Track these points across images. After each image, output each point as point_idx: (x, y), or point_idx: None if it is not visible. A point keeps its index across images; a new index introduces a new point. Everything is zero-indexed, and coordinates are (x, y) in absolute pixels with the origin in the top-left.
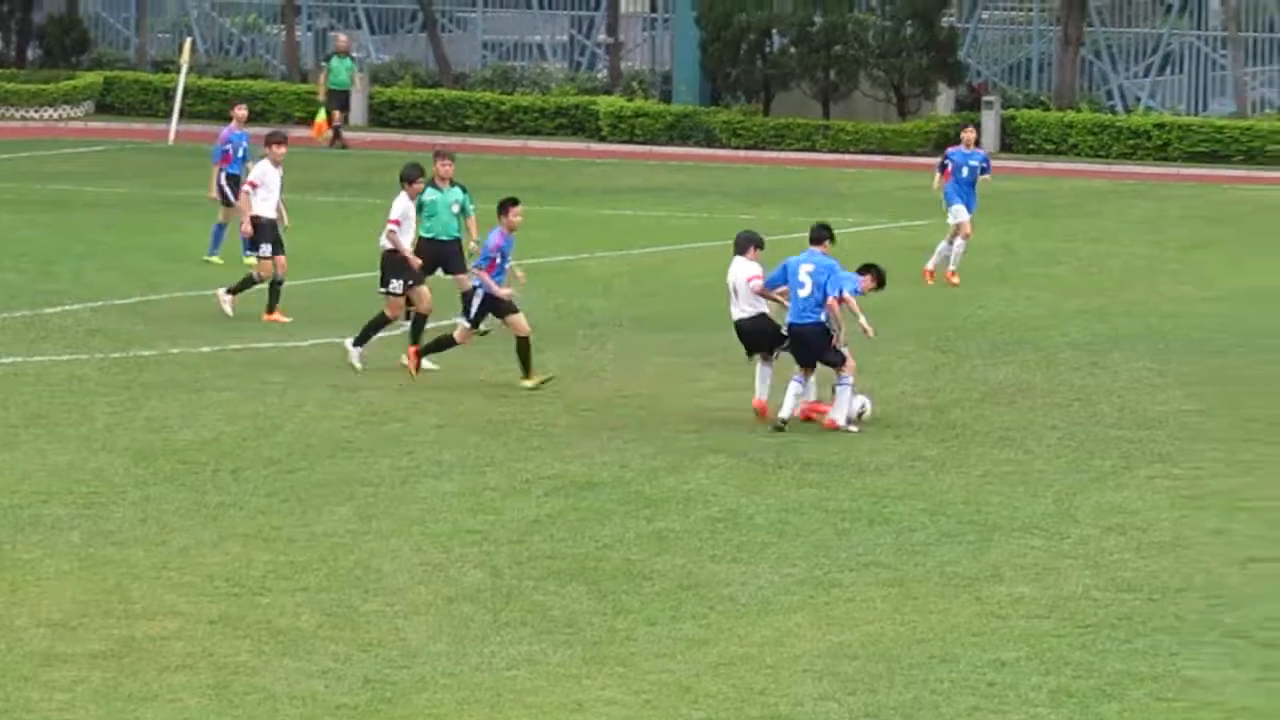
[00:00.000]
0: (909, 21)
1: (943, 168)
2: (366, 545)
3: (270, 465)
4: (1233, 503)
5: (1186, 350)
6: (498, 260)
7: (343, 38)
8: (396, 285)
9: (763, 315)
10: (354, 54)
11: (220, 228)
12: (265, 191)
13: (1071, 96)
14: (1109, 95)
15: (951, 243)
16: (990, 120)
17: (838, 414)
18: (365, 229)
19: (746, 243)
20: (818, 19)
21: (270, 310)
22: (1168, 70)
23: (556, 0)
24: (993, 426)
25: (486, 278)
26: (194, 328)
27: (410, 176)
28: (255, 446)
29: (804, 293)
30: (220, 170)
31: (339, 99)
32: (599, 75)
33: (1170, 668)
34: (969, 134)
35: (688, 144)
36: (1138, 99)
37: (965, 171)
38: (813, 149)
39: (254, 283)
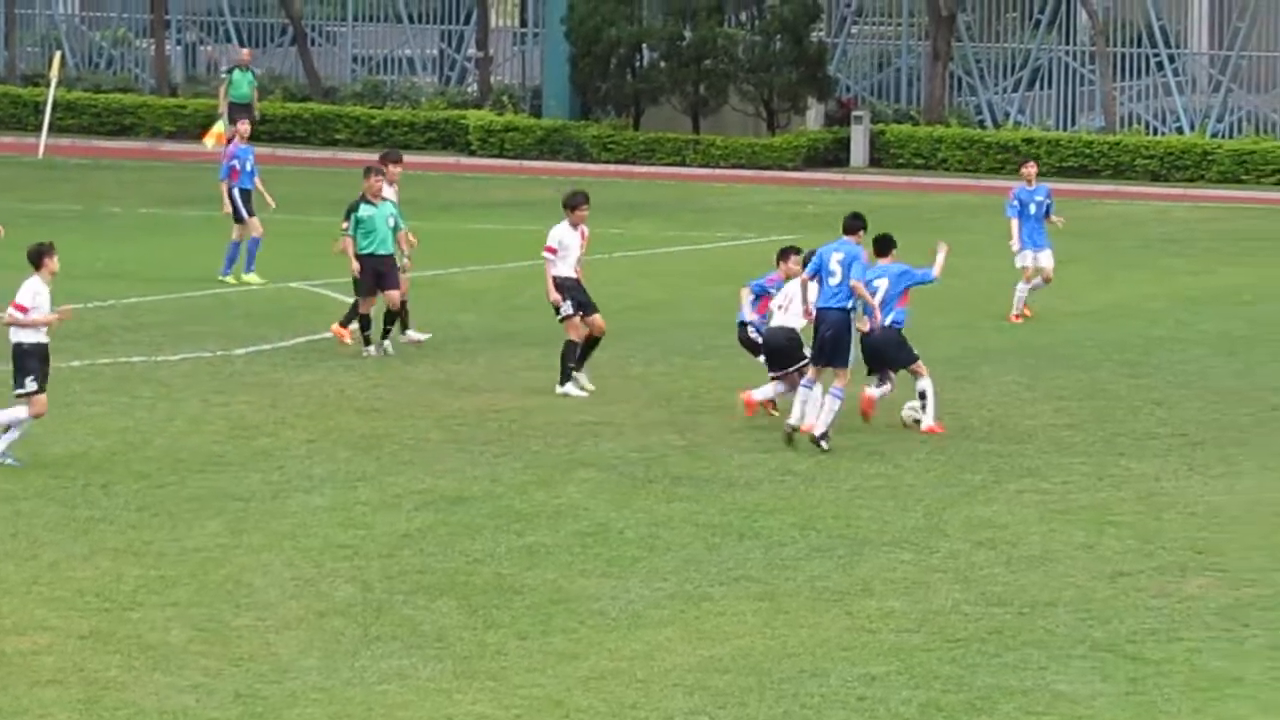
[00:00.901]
0: (778, 36)
1: (1015, 210)
2: (237, 560)
3: (140, 480)
4: (1101, 517)
5: (1055, 364)
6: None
7: (245, 51)
8: (568, 308)
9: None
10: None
11: (235, 246)
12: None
13: (940, 111)
14: (978, 110)
15: (1029, 282)
16: (859, 135)
17: (821, 425)
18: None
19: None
20: (687, 33)
21: (344, 324)
22: (1036, 85)
23: (426, 14)
24: (862, 441)
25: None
26: (63, 343)
27: (574, 204)
28: (125, 461)
29: (834, 280)
30: (231, 186)
31: (241, 112)
32: (469, 89)
33: (1040, 681)
34: (1030, 169)
35: (558, 158)
36: (1007, 114)
37: (1032, 209)
38: (683, 163)
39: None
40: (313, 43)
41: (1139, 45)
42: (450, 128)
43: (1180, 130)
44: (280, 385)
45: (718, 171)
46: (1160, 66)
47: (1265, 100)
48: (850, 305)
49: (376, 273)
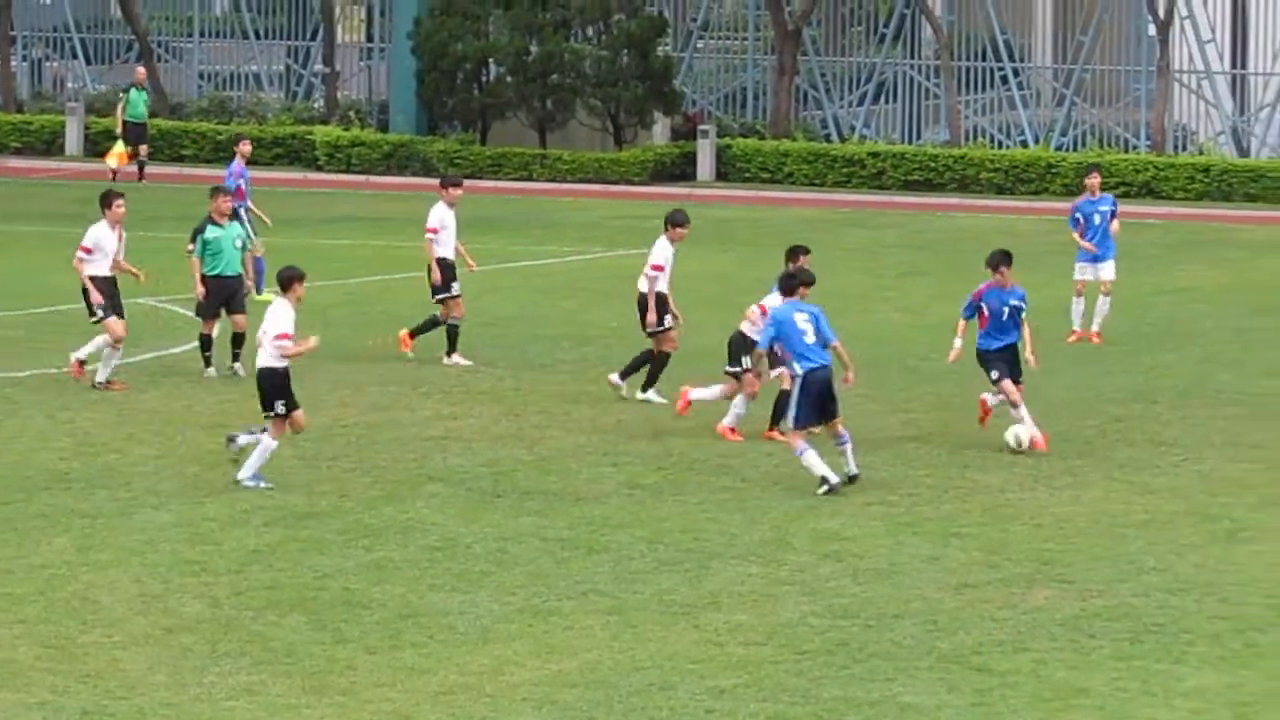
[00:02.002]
0: (625, 51)
1: (1076, 223)
2: (84, 576)
3: None
4: (947, 529)
5: (901, 377)
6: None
7: (140, 69)
8: (669, 320)
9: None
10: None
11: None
12: (446, 235)
13: (787, 125)
14: (824, 124)
15: (1080, 297)
16: (706, 149)
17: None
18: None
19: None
20: (534, 48)
21: (450, 352)
22: (882, 99)
23: (273, 30)
24: (710, 454)
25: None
26: None
27: (679, 221)
28: None
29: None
30: (237, 206)
31: (136, 131)
32: (316, 105)
33: (887, 693)
34: (1094, 180)
35: (405, 173)
36: (852, 128)
37: (1097, 219)
38: (530, 178)
39: (438, 323)
40: (159, 59)
41: (983, 59)
42: (297, 143)
43: (1025, 143)
44: (128, 401)
45: (565, 186)
46: (1005, 80)
47: (1108, 114)
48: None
49: (224, 295)
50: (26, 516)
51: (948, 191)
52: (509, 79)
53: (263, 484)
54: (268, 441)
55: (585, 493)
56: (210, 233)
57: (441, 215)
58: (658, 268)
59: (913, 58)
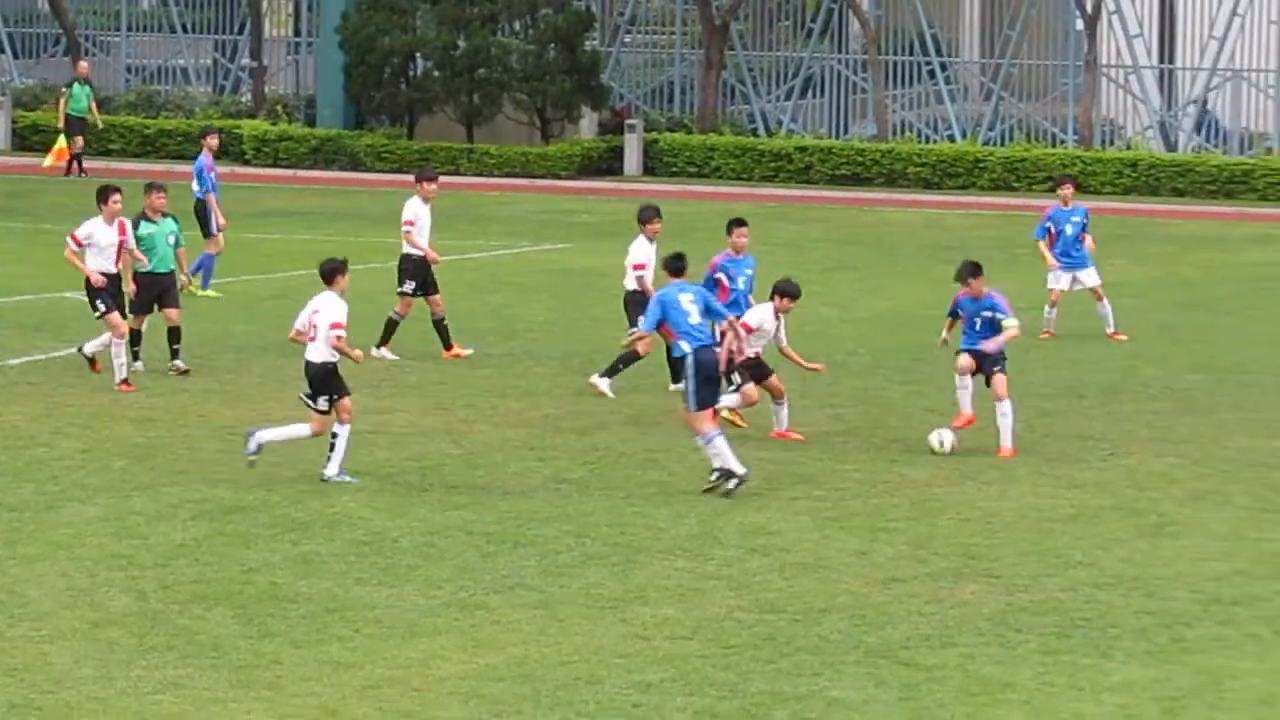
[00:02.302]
0: (552, 45)
1: (1045, 232)
2: (11, 571)
3: None
4: (875, 523)
5: (829, 371)
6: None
7: (83, 64)
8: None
9: None
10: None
11: (211, 258)
12: (418, 230)
13: (714, 120)
14: (751, 119)
15: (1054, 306)
16: (633, 144)
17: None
18: (2, 252)
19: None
20: (461, 43)
21: (448, 347)
22: (809, 94)
23: (200, 24)
24: (637, 449)
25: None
26: None
27: (647, 218)
28: None
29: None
30: (207, 201)
31: (78, 125)
32: (243, 99)
33: (814, 688)
34: (1067, 190)
35: (332, 168)
36: (780, 122)
37: (1069, 229)
38: (457, 173)
39: (397, 323)
40: (87, 53)
41: (911, 53)
42: (225, 137)
43: (952, 138)
44: (54, 395)
45: (492, 180)
46: (932, 75)
47: (1036, 108)
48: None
49: (155, 291)
50: None
51: (875, 186)
52: (436, 74)
53: (347, 478)
54: (342, 433)
55: (512, 487)
56: (144, 229)
57: (416, 209)
58: (640, 266)
59: (840, 52)
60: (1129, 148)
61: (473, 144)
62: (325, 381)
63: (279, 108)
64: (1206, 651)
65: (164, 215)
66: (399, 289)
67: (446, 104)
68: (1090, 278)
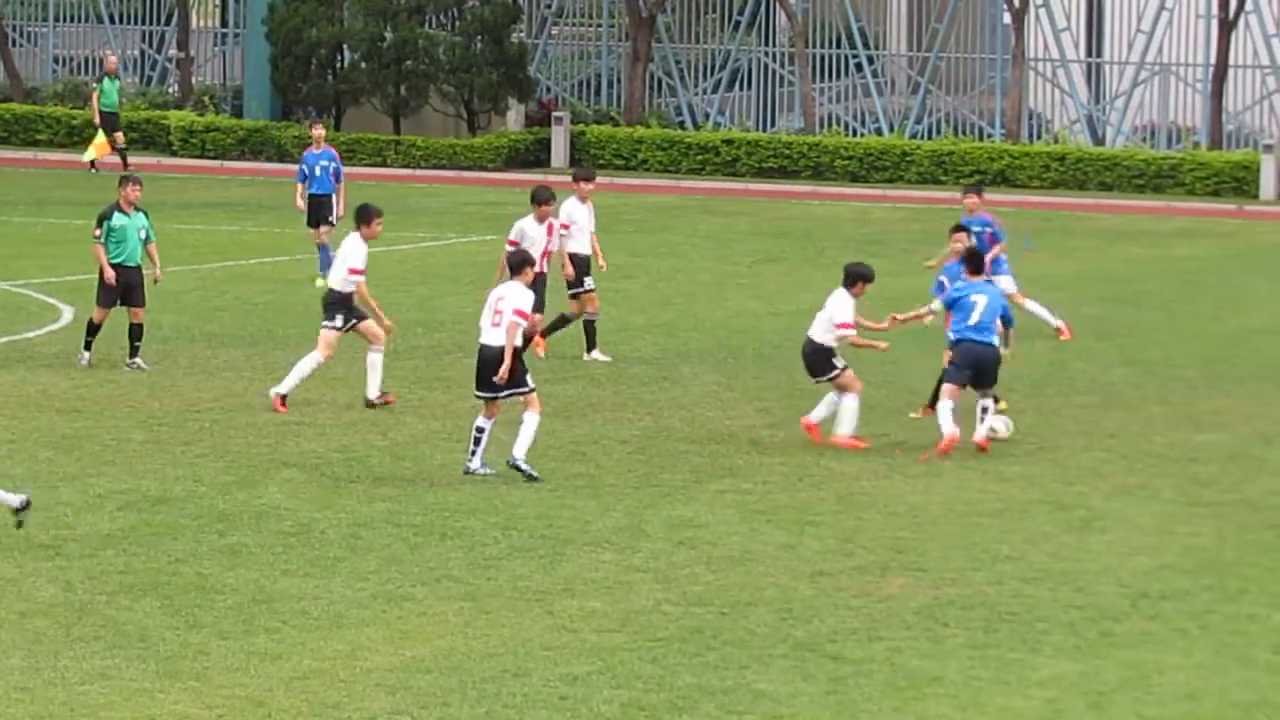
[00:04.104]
0: (479, 37)
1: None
2: None
3: None
4: (802, 517)
5: (755, 364)
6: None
7: (112, 58)
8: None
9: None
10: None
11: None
12: (576, 230)
13: (640, 112)
14: (678, 111)
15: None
16: (560, 136)
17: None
18: None
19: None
20: (388, 34)
21: (590, 349)
22: (736, 87)
23: (127, 15)
24: (564, 441)
25: None
26: None
27: (542, 199)
28: None
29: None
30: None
31: (113, 120)
32: (170, 90)
33: (741, 681)
34: (971, 200)
35: (259, 159)
36: (707, 115)
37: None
38: (384, 164)
39: (568, 321)
40: (13, 43)
41: (838, 47)
42: (151, 128)
43: (879, 131)
44: None
45: (419, 172)
46: (859, 68)
47: (962, 101)
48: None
49: (122, 285)
50: None
51: (802, 179)
52: (363, 65)
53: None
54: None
55: (439, 478)
56: (116, 220)
57: (571, 210)
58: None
59: (767, 45)
60: (1056, 141)
61: (399, 136)
62: (492, 367)
63: (206, 99)
64: (1133, 646)
65: (136, 209)
66: (576, 290)
67: (373, 95)
68: (1008, 284)
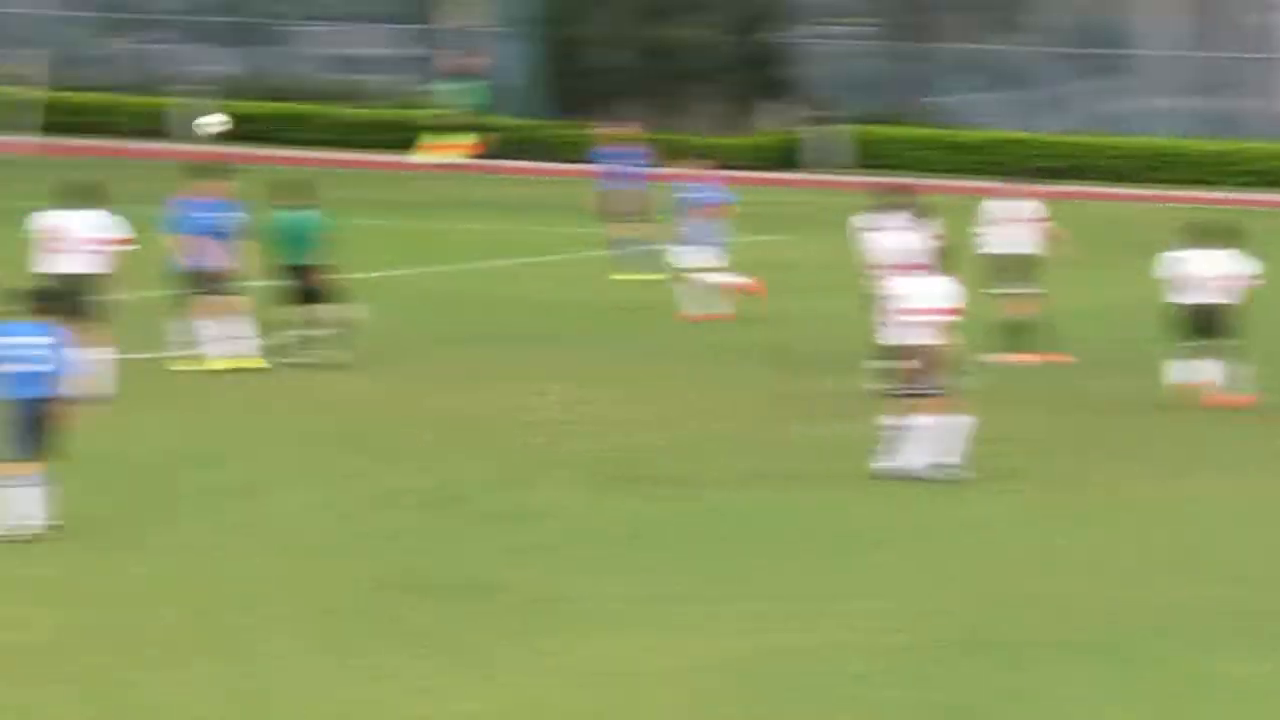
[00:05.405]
0: (745, 37)
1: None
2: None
3: None
4: (1091, 516)
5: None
6: None
7: (472, 60)
8: None
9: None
10: None
11: (639, 244)
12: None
13: (914, 111)
14: (947, 110)
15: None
16: (824, 135)
17: None
18: None
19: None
20: (654, 33)
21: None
22: (1003, 86)
23: (383, 14)
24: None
25: None
26: None
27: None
28: None
29: None
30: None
31: (466, 123)
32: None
33: (1030, 684)
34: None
35: (527, 158)
36: (978, 115)
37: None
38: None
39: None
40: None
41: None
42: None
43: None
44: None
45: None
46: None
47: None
48: None
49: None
50: None
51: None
52: (629, 64)
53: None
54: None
55: (723, 479)
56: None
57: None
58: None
59: (1045, 46)
60: None
61: (669, 135)
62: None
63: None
64: None
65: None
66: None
67: (636, 95)
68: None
